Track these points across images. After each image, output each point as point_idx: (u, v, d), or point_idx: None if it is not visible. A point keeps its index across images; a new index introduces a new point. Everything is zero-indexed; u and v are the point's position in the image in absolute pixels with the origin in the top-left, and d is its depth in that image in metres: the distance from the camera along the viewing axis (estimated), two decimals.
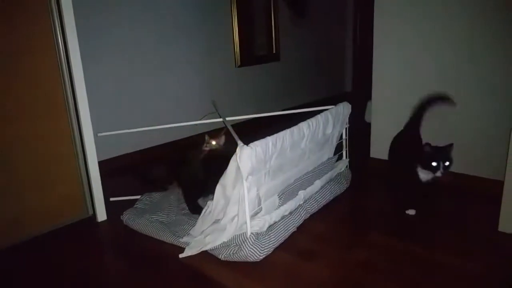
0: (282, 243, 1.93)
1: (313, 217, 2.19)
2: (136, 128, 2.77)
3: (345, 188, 2.53)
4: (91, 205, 2.38)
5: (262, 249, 1.78)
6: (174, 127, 2.78)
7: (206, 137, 2.42)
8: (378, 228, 2.09)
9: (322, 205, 2.29)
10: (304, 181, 2.23)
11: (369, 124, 2.98)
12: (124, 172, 3.23)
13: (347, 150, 2.66)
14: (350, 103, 2.55)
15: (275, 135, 1.90)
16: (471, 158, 2.46)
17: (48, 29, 2.10)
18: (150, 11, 3.48)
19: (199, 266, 1.81)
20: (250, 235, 1.79)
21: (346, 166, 2.66)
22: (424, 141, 2.12)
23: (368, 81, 2.91)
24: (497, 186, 2.03)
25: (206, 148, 2.38)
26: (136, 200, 2.44)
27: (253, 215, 1.89)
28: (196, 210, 2.17)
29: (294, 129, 2.05)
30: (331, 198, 2.38)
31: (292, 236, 2.00)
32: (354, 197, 2.53)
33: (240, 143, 1.78)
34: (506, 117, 2.32)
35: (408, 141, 2.28)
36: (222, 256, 1.81)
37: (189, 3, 3.79)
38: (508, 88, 2.31)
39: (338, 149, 2.64)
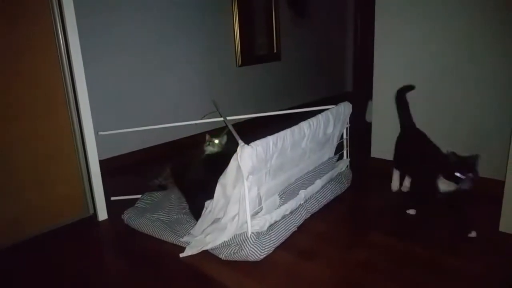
0: (283, 242, 1.93)
1: (313, 217, 2.19)
2: (136, 127, 2.77)
3: (345, 188, 2.53)
4: (92, 204, 2.38)
5: (263, 248, 1.78)
6: (175, 126, 2.78)
7: (207, 136, 2.42)
8: (379, 228, 2.09)
9: (322, 205, 2.29)
10: (305, 181, 2.23)
11: (370, 124, 2.98)
12: (125, 171, 3.24)
13: (347, 149, 2.66)
14: (350, 103, 2.55)
15: (276, 134, 1.91)
16: None
17: (49, 28, 2.10)
18: (151, 11, 3.48)
19: (199, 265, 1.81)
20: (250, 235, 1.79)
21: (347, 166, 2.66)
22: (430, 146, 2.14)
23: (369, 81, 2.91)
24: (498, 186, 2.03)
25: (208, 147, 2.38)
26: (137, 199, 2.44)
27: (254, 215, 1.89)
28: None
29: (295, 128, 2.05)
30: (332, 197, 2.38)
31: (293, 235, 2.00)
32: (354, 197, 2.53)
33: (241, 142, 1.78)
34: (506, 116, 2.32)
35: (419, 146, 2.23)
36: (223, 256, 1.81)
37: (190, 2, 3.79)
38: (508, 87, 2.30)
39: (339, 148, 2.63)
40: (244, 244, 1.76)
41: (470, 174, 1.85)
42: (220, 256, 1.82)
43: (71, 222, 2.31)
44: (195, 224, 2.02)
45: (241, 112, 3.33)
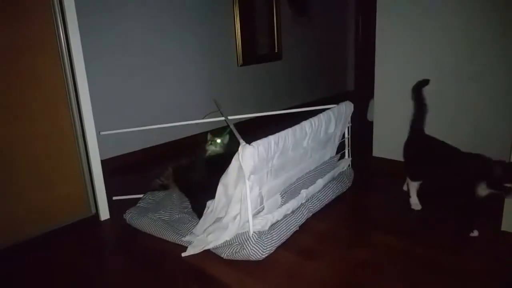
0: (284, 242, 1.93)
1: (315, 216, 2.19)
2: (138, 127, 2.77)
3: (347, 187, 2.53)
4: (94, 204, 2.38)
5: (265, 248, 1.78)
6: (176, 126, 2.78)
7: (209, 136, 2.42)
8: (380, 228, 2.09)
9: (324, 204, 2.29)
10: (306, 180, 2.23)
11: (371, 123, 2.98)
12: (127, 171, 3.24)
13: (349, 149, 2.66)
14: (352, 102, 2.55)
15: (278, 134, 1.90)
16: None
17: (50, 27, 2.10)
18: (152, 10, 3.49)
19: (201, 265, 1.82)
20: (252, 234, 1.79)
21: (349, 165, 2.66)
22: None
23: (370, 80, 2.90)
24: None
25: (211, 146, 2.37)
26: (139, 199, 2.44)
27: (256, 214, 1.89)
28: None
29: (297, 128, 2.05)
30: (334, 197, 2.38)
31: (294, 235, 2.00)
32: (356, 196, 2.53)
33: (242, 142, 1.78)
34: (506, 116, 2.32)
35: (444, 153, 2.07)
36: (225, 255, 1.81)
37: (191, 2, 3.79)
38: (509, 87, 2.30)
39: (341, 148, 2.63)
40: (246, 244, 1.76)
41: None
42: (222, 256, 1.82)
43: (73, 222, 2.32)
44: (197, 224, 2.02)
45: (242, 111, 3.33)
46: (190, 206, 2.27)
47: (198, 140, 2.61)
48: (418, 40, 2.60)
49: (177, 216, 2.21)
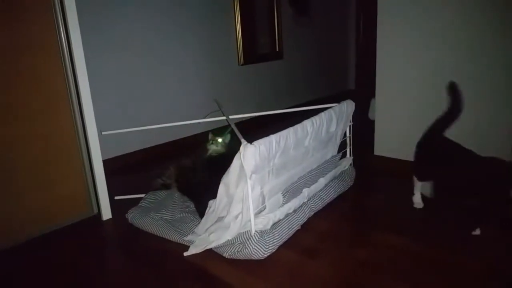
0: (286, 241, 1.93)
1: (317, 215, 2.19)
2: (139, 126, 2.78)
3: (349, 186, 2.53)
4: (96, 204, 2.39)
5: (266, 247, 1.78)
6: (178, 125, 2.79)
7: (211, 135, 2.42)
8: (382, 227, 2.09)
9: (326, 203, 2.29)
10: (308, 179, 2.23)
11: (372, 122, 2.98)
12: (128, 171, 3.25)
13: (351, 147, 2.66)
14: (353, 101, 2.55)
15: (279, 133, 1.90)
16: None
17: (51, 27, 2.11)
18: (153, 9, 3.49)
19: (203, 264, 1.82)
20: (254, 233, 1.79)
21: (350, 164, 2.66)
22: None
23: (372, 78, 2.90)
24: None
25: (212, 145, 2.38)
26: (140, 198, 2.45)
27: (257, 213, 1.89)
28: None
29: (298, 127, 2.05)
30: (335, 196, 2.38)
31: (296, 234, 2.00)
32: (358, 195, 2.53)
33: (243, 141, 1.78)
34: (506, 116, 2.32)
35: (467, 158, 1.96)
36: (227, 254, 1.81)
37: (192, 1, 3.79)
38: (509, 87, 2.30)
39: (342, 147, 2.63)
40: (248, 243, 1.77)
41: None
42: (224, 255, 1.83)
43: (75, 222, 2.32)
44: (198, 223, 2.02)
45: (244, 111, 3.33)
46: (191, 206, 2.27)
47: (199, 139, 2.60)
48: (419, 40, 2.60)
49: (179, 215, 2.21)
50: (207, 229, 1.95)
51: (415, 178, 2.27)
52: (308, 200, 2.18)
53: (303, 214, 2.07)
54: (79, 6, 2.14)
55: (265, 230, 1.85)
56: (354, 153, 2.69)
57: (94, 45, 3.02)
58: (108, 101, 3.25)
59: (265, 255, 1.79)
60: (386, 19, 2.71)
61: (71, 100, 2.22)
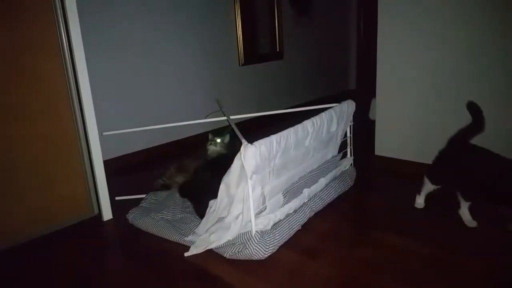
0: (287, 241, 1.93)
1: (317, 215, 2.19)
2: (139, 127, 2.78)
3: (349, 186, 2.53)
4: (97, 205, 2.39)
5: (267, 247, 1.78)
6: (178, 125, 2.79)
7: (210, 135, 2.42)
8: (383, 227, 2.09)
9: (326, 203, 2.29)
10: (308, 179, 2.23)
11: (373, 122, 2.98)
12: (129, 171, 3.25)
13: (351, 148, 2.66)
14: (354, 101, 2.55)
15: (279, 133, 1.90)
16: None
17: (52, 27, 2.11)
18: (154, 9, 3.49)
19: (204, 264, 1.82)
20: (255, 234, 1.79)
21: (351, 164, 2.66)
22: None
23: (372, 79, 2.90)
24: None
25: (211, 146, 2.38)
26: (141, 199, 2.45)
27: (258, 214, 1.89)
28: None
29: (298, 127, 2.05)
30: (336, 196, 2.38)
31: (297, 234, 2.00)
32: (358, 195, 2.53)
33: (244, 141, 1.78)
34: (506, 116, 2.31)
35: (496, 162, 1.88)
36: (227, 255, 1.81)
37: (193, 1, 3.79)
38: (509, 87, 2.30)
39: (343, 147, 2.63)
40: (249, 243, 1.77)
41: None
42: (225, 255, 1.83)
43: (76, 222, 2.32)
44: (199, 223, 2.03)
45: (244, 111, 3.34)
46: (192, 206, 2.27)
47: (200, 140, 2.60)
48: (419, 40, 2.60)
49: (179, 215, 2.21)
50: (207, 230, 1.95)
51: (427, 181, 2.19)
52: (308, 200, 2.18)
53: (303, 214, 2.07)
54: (79, 6, 2.14)
55: (266, 231, 1.85)
56: (355, 153, 2.69)
57: (94, 45, 3.02)
58: (109, 101, 3.25)
59: (266, 256, 1.79)
60: (386, 19, 2.72)
61: (71, 100, 2.22)
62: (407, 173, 2.74)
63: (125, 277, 1.82)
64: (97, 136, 2.30)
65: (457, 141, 2.06)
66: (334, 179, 2.45)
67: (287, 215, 2.02)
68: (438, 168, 2.16)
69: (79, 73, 2.18)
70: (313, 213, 2.17)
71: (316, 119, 2.18)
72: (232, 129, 2.13)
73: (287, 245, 1.91)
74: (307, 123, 2.12)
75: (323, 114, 2.26)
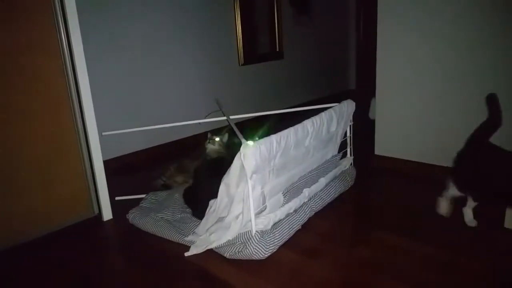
0: (287, 241, 1.93)
1: (317, 215, 2.19)
2: (139, 127, 2.78)
3: (349, 186, 2.53)
4: (97, 205, 2.39)
5: (267, 247, 1.78)
6: (178, 126, 2.79)
7: (209, 134, 2.42)
8: (383, 227, 2.09)
9: (326, 203, 2.29)
10: (308, 179, 2.23)
11: (373, 121, 2.98)
12: (129, 171, 3.25)
13: (351, 147, 2.66)
14: (354, 101, 2.55)
15: (279, 133, 1.90)
16: None
17: (51, 27, 2.11)
18: (154, 9, 3.49)
19: (204, 264, 1.82)
20: (255, 233, 1.79)
21: (351, 164, 2.66)
22: None
23: (372, 78, 2.90)
24: None
25: (209, 144, 2.37)
26: (141, 199, 2.45)
27: (258, 213, 1.89)
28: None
29: (298, 127, 2.05)
30: (336, 195, 2.38)
31: (297, 234, 2.00)
32: (358, 195, 2.52)
33: (244, 141, 1.78)
34: (507, 117, 2.31)
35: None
36: (227, 255, 1.81)
37: (193, 1, 3.79)
38: (509, 87, 2.29)
39: (343, 146, 2.63)
40: (249, 243, 1.77)
41: None
42: (225, 255, 1.82)
43: (76, 223, 2.32)
44: (199, 223, 2.02)
45: (244, 111, 3.33)
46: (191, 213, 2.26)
47: (200, 140, 2.60)
48: (419, 40, 2.60)
49: (179, 215, 2.21)
50: (207, 229, 1.95)
51: (452, 185, 2.01)
52: (308, 200, 2.18)
53: (303, 214, 2.07)
54: (79, 6, 2.14)
55: (266, 230, 1.85)
56: (355, 153, 2.69)
57: (94, 45, 3.02)
58: (109, 101, 3.25)
59: (266, 255, 1.79)
60: (386, 19, 2.72)
61: (71, 100, 2.22)
62: (407, 172, 2.74)
63: (125, 277, 1.82)
64: (97, 136, 2.29)
65: (476, 141, 1.93)
66: (334, 178, 2.45)
67: (287, 215, 2.02)
68: (462, 174, 1.98)
69: (79, 73, 2.18)
70: (313, 212, 2.17)
71: (316, 119, 2.18)
72: (231, 128, 2.13)
73: (287, 245, 1.91)
74: (307, 123, 2.12)
75: (323, 114, 2.26)
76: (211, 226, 1.95)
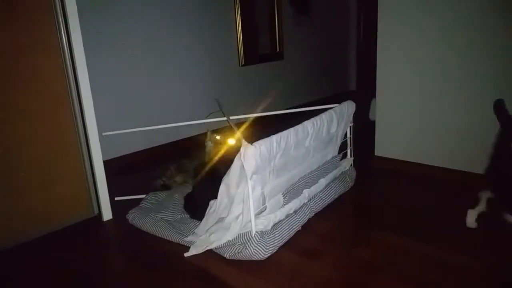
0: (287, 241, 1.93)
1: (317, 216, 2.19)
2: (140, 127, 2.78)
3: (349, 187, 2.53)
4: (97, 205, 2.39)
5: (267, 247, 1.78)
6: (178, 126, 2.79)
7: (209, 133, 2.41)
8: (383, 227, 2.09)
9: (326, 204, 2.29)
10: (308, 180, 2.22)
11: (373, 122, 2.98)
12: (129, 171, 3.25)
13: (351, 148, 2.66)
14: (354, 102, 2.55)
15: (280, 133, 1.90)
16: (474, 156, 2.44)
17: (52, 27, 2.11)
18: (154, 9, 3.49)
19: (204, 265, 1.82)
20: (254, 234, 1.79)
21: (351, 165, 2.66)
22: None
23: (372, 79, 2.90)
24: None
25: (209, 142, 2.37)
26: (141, 199, 2.45)
27: (258, 214, 1.89)
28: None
29: (299, 127, 2.05)
30: (336, 196, 2.37)
31: (297, 235, 2.00)
32: (358, 196, 2.52)
33: (244, 142, 1.78)
34: None
35: None
36: (227, 255, 1.81)
37: (193, 2, 3.79)
38: (509, 87, 2.29)
39: (343, 147, 2.63)
40: (248, 243, 1.77)
41: None
42: (225, 256, 1.82)
43: (76, 223, 2.32)
44: (199, 224, 2.02)
45: (244, 111, 3.33)
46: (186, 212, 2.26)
47: (200, 140, 2.60)
48: (419, 40, 2.60)
49: (179, 216, 2.21)
50: (207, 230, 1.95)
51: (484, 199, 1.95)
52: (308, 201, 2.18)
53: (303, 215, 2.07)
54: (79, 6, 2.14)
55: (266, 231, 1.85)
56: (355, 154, 2.69)
57: (94, 45, 3.01)
58: (109, 101, 3.24)
59: (266, 256, 1.79)
60: (386, 19, 2.72)
61: (71, 100, 2.22)
62: (407, 173, 2.74)
63: (125, 277, 1.82)
64: (97, 136, 2.29)
65: (502, 146, 1.82)
66: (334, 179, 2.45)
67: (287, 216, 2.02)
68: (498, 178, 1.87)
69: (79, 73, 2.17)
70: (313, 213, 2.17)
71: (316, 120, 2.18)
72: (232, 129, 2.13)
73: (287, 246, 1.91)
74: (307, 124, 2.12)
75: (323, 114, 2.26)
76: (211, 227, 1.95)
